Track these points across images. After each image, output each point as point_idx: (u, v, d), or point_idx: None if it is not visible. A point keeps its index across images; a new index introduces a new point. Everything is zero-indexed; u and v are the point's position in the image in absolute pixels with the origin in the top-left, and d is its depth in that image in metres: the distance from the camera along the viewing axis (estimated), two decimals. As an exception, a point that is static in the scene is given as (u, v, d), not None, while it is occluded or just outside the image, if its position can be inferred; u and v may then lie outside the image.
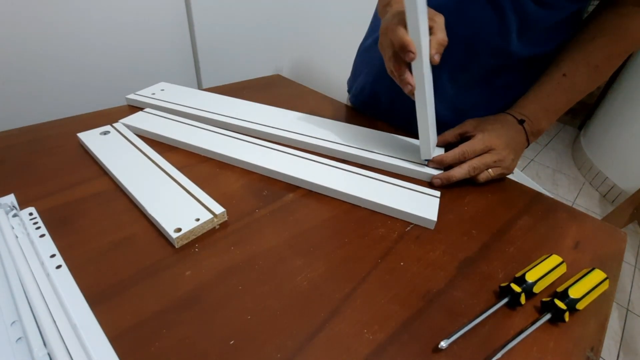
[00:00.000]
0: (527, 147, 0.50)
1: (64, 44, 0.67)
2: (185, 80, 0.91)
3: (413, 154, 0.51)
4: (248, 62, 1.02)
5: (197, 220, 0.36)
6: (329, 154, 0.51)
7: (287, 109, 0.60)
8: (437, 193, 0.44)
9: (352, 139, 0.54)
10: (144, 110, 0.56)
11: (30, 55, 0.64)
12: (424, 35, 0.40)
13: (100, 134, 0.49)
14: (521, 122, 0.49)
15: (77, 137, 0.48)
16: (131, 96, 0.59)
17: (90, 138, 0.48)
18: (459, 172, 0.46)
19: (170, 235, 0.34)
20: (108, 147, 0.47)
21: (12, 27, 0.61)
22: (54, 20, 0.65)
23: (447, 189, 0.47)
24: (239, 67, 1.00)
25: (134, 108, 0.58)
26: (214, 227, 0.37)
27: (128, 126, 0.52)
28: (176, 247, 0.35)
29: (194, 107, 0.57)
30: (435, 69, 0.44)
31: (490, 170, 0.47)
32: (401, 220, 0.41)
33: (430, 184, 0.47)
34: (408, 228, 0.40)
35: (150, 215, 0.37)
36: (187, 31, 0.84)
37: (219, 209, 0.38)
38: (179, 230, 0.35)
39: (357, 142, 0.53)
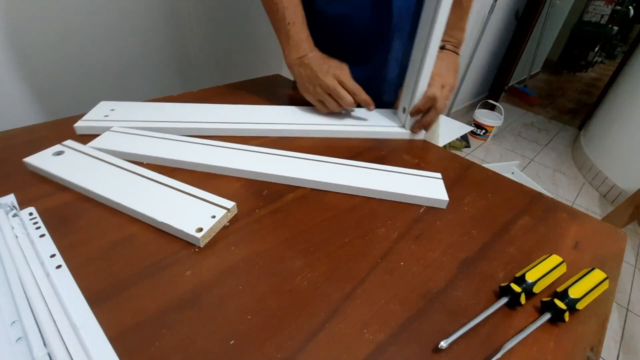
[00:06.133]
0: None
1: (65, 43, 0.67)
2: (185, 80, 0.91)
3: (389, 120, 0.61)
4: (248, 62, 1.02)
5: (214, 217, 0.36)
6: (309, 136, 0.56)
7: (245, 104, 0.60)
8: (439, 175, 0.47)
9: (328, 118, 0.59)
10: (111, 129, 0.50)
11: (31, 55, 0.64)
12: None
13: (54, 154, 0.43)
14: (442, 48, 0.60)
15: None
16: (80, 124, 0.50)
17: (46, 161, 0.42)
18: (431, 117, 0.56)
19: (193, 237, 0.34)
20: (79, 169, 0.41)
21: (11, 27, 0.61)
22: (55, 20, 0.65)
23: (447, 189, 0.47)
24: (239, 67, 1.00)
25: (87, 137, 0.48)
26: (225, 225, 0.38)
27: (100, 149, 0.45)
28: (201, 246, 0.35)
29: (157, 120, 0.53)
30: (390, 40, 0.61)
31: (446, 101, 0.57)
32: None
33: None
34: (421, 210, 0.40)
35: (163, 223, 0.36)
36: (187, 30, 0.84)
37: (228, 203, 0.38)
38: (200, 230, 0.35)
39: (334, 120, 0.59)
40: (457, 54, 0.62)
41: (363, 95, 0.56)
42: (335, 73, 0.55)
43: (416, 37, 0.53)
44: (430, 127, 0.59)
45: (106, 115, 0.53)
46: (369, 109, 0.58)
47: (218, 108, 0.59)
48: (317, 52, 0.58)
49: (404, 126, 0.59)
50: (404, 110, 0.58)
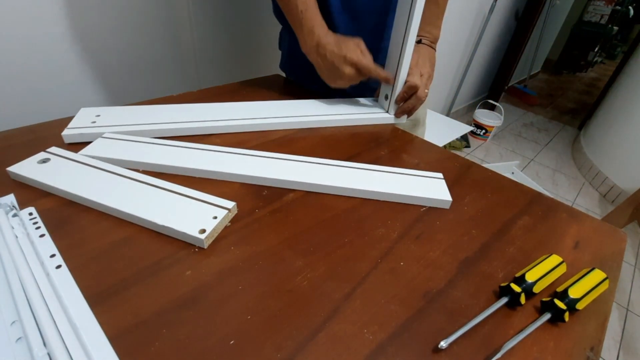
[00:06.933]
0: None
1: (66, 42, 0.67)
2: (185, 81, 0.91)
3: (374, 107, 0.65)
4: (248, 62, 1.02)
5: (215, 218, 0.36)
6: (302, 127, 0.58)
7: (233, 102, 0.60)
8: (440, 175, 0.47)
9: (319, 109, 0.62)
10: (103, 136, 0.48)
11: (32, 55, 0.64)
12: None
13: (39, 162, 0.42)
14: (418, 42, 0.64)
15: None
16: (68, 132, 0.48)
17: (33, 169, 0.41)
18: (413, 104, 0.61)
19: (197, 238, 0.34)
20: (72, 177, 0.40)
21: (13, 26, 0.61)
22: (56, 18, 0.65)
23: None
24: (239, 67, 1.00)
25: (77, 145, 0.47)
26: (226, 224, 0.38)
27: (93, 157, 0.44)
28: (205, 247, 0.35)
29: (149, 123, 0.52)
30: (384, 28, 0.62)
31: (426, 90, 0.61)
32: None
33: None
34: (421, 210, 0.40)
35: (165, 227, 0.35)
36: (187, 30, 0.84)
37: (229, 203, 0.38)
38: (203, 231, 0.35)
39: (325, 110, 0.62)
40: (433, 48, 0.66)
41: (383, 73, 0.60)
42: (359, 48, 0.57)
43: (393, 29, 0.57)
44: (413, 113, 0.64)
45: (93, 122, 0.51)
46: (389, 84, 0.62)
47: (202, 107, 0.58)
48: (331, 35, 0.58)
49: (387, 112, 0.64)
50: (386, 97, 0.63)
